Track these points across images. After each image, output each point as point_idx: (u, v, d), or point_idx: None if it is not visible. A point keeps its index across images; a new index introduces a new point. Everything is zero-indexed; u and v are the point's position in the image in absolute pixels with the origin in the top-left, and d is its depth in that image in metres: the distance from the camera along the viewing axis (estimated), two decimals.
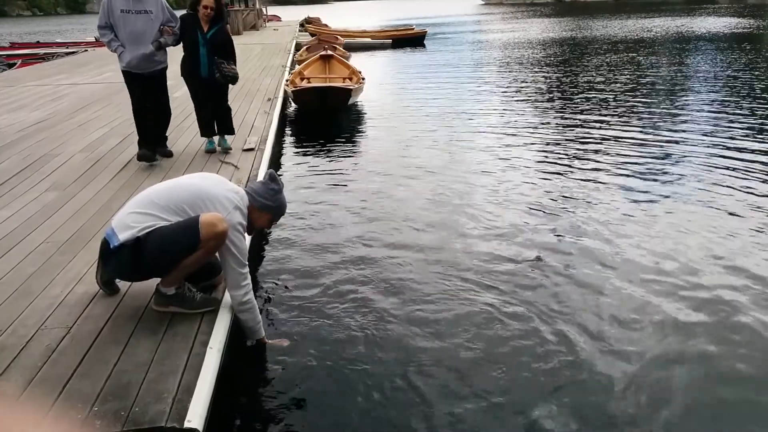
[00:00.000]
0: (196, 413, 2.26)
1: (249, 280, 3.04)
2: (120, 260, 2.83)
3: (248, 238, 3.28)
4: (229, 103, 6.39)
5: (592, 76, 14.45)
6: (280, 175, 7.05)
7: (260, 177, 5.18)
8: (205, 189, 2.93)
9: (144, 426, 2.17)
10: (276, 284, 4.21)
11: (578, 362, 3.25)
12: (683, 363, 3.27)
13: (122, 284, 3.25)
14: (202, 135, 6.30)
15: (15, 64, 18.15)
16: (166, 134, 6.16)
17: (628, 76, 14.24)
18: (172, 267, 2.86)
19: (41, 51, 21.72)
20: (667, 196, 5.95)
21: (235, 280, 2.97)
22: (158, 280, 3.00)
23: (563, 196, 6.02)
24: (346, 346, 3.41)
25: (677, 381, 3.11)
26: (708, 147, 7.79)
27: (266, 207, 3.12)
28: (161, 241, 2.74)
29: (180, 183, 3.01)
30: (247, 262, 3.02)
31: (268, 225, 3.29)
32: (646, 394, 3.00)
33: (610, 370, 3.19)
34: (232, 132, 6.43)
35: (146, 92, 5.72)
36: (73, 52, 20.46)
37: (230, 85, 6.12)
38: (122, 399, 2.32)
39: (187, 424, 2.19)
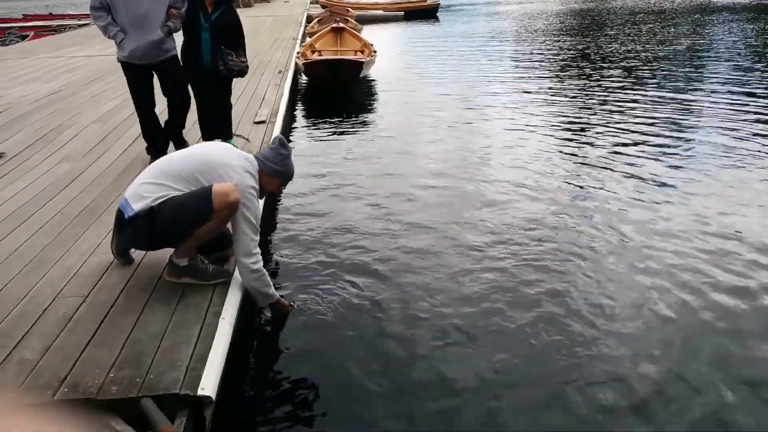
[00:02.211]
0: (209, 381, 2.31)
1: (258, 249, 3.05)
2: (135, 230, 2.86)
3: (260, 203, 3.29)
4: (232, 100, 5.46)
5: (612, 46, 14.22)
6: (291, 146, 7.06)
7: None
8: (215, 156, 2.95)
9: (159, 393, 2.22)
10: (286, 256, 4.24)
11: (602, 349, 3.27)
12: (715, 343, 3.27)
13: (136, 255, 3.30)
14: (203, 139, 5.42)
15: (28, 36, 18.14)
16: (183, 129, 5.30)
17: (649, 47, 14.01)
18: (185, 236, 2.89)
19: (54, 23, 21.68)
20: (692, 167, 5.92)
21: (247, 247, 2.96)
22: (171, 251, 3.04)
23: (583, 166, 6.01)
24: (356, 317, 3.45)
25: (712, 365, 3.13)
26: (734, 115, 7.73)
27: (276, 172, 3.13)
28: (174, 211, 2.78)
29: (191, 152, 3.03)
30: (259, 229, 3.03)
31: (278, 190, 3.31)
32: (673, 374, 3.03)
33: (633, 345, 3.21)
34: (229, 135, 5.47)
35: (162, 88, 4.92)
36: (85, 24, 20.39)
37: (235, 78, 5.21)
38: (137, 367, 2.37)
39: (200, 392, 2.24)
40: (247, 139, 5.74)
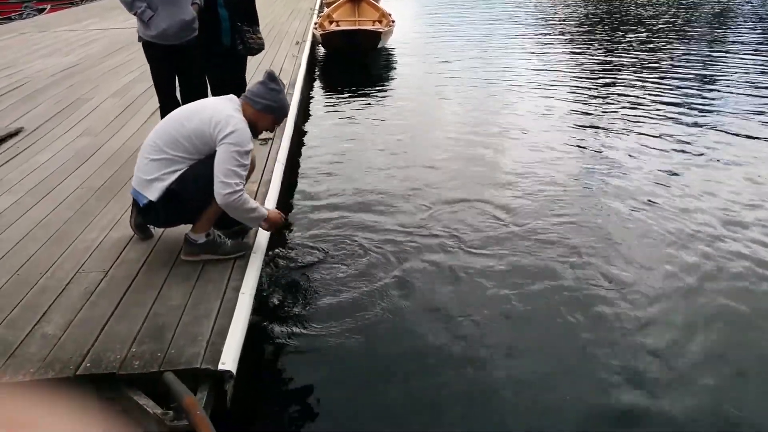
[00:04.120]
0: (230, 356, 2.31)
1: (238, 180, 2.79)
2: (156, 213, 2.90)
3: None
4: (248, 73, 5.16)
5: (638, 11, 13.84)
6: (309, 118, 7.01)
7: (287, 130, 5.08)
8: (192, 106, 2.96)
9: (180, 367, 2.23)
10: (307, 226, 4.23)
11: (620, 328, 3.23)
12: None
13: (156, 230, 3.30)
14: None
15: (45, 9, 18.11)
16: None
17: (675, 11, 13.61)
18: (208, 204, 2.86)
19: None
20: (720, 131, 5.87)
21: (223, 172, 2.75)
22: (187, 228, 3.02)
23: (607, 130, 5.98)
24: (377, 288, 3.44)
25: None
26: (762, 79, 7.55)
27: (268, 108, 2.97)
28: (196, 183, 2.79)
29: (172, 115, 2.98)
30: (245, 163, 2.82)
31: (272, 127, 3.13)
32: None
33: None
34: None
35: (177, 70, 4.44)
36: None
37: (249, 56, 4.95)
38: (158, 341, 2.38)
39: (221, 366, 2.24)
40: None
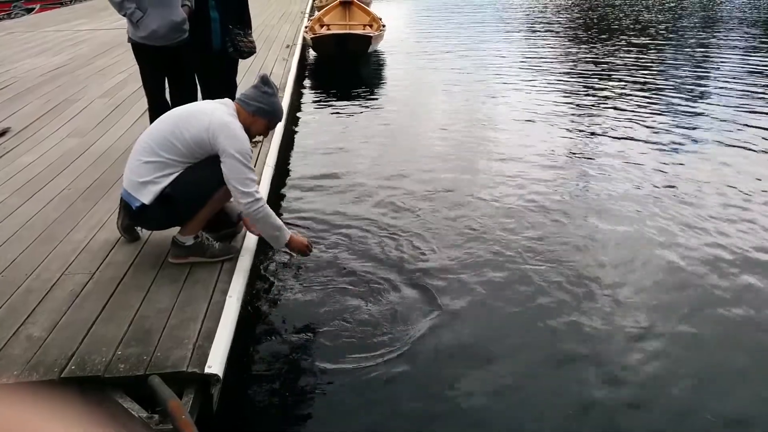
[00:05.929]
0: (217, 359, 2.30)
1: (255, 187, 2.84)
2: (149, 216, 2.88)
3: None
4: (238, 76, 4.96)
5: (630, 17, 13.98)
6: (299, 122, 7.01)
7: (277, 133, 5.07)
8: (187, 108, 2.99)
9: (166, 370, 2.22)
10: (296, 228, 4.21)
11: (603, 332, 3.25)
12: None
13: (143, 232, 3.28)
14: None
15: (34, 9, 17.99)
16: None
17: (666, 17, 13.77)
18: (201, 207, 2.88)
19: None
20: (708, 130, 5.99)
21: (239, 185, 2.77)
22: (175, 230, 3.01)
23: (597, 137, 6.03)
24: (365, 294, 3.43)
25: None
26: (750, 81, 7.68)
27: (260, 111, 2.95)
28: (191, 186, 2.79)
29: (164, 116, 2.99)
30: (252, 168, 2.84)
31: (265, 131, 3.12)
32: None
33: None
34: None
35: (167, 72, 4.38)
36: None
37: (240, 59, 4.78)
38: (145, 344, 2.36)
39: (207, 370, 2.23)
40: None
